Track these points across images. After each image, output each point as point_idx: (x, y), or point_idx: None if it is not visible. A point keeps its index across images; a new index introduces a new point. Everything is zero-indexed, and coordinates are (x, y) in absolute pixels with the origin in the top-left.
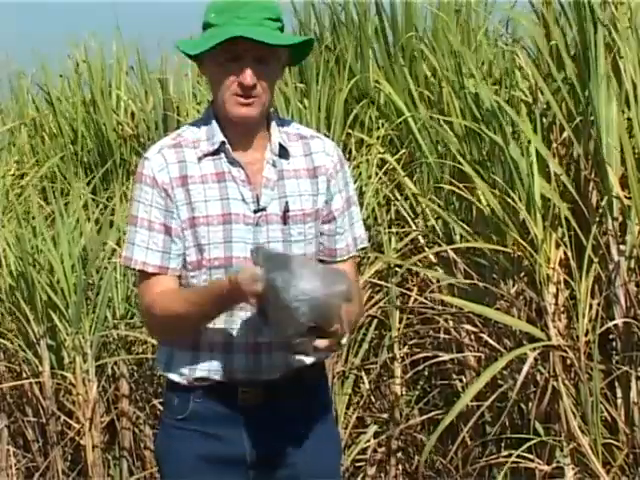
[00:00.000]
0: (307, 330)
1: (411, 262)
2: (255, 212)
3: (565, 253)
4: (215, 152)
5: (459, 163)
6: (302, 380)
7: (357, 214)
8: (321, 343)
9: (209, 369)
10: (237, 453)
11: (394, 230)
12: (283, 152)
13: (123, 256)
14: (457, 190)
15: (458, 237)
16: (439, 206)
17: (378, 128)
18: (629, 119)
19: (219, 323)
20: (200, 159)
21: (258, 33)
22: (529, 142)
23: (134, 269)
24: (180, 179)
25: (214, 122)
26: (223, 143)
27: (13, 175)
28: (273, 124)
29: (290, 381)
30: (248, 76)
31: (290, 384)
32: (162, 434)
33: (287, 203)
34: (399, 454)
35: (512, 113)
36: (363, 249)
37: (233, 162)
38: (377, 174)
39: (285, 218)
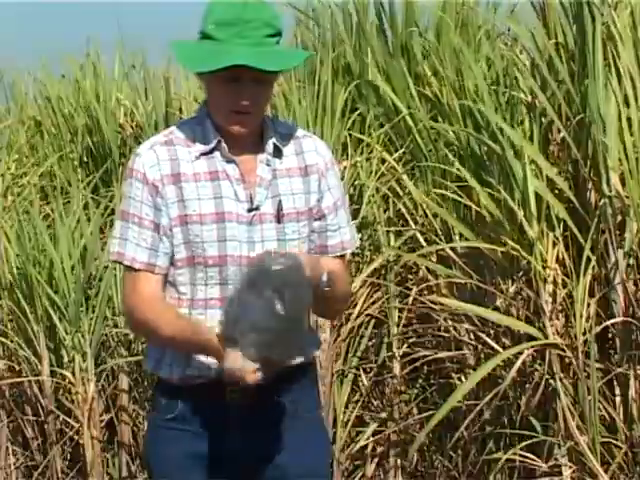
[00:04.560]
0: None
1: (410, 257)
2: (249, 211)
3: (562, 252)
4: (210, 151)
5: (461, 160)
6: (290, 380)
7: (349, 213)
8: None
9: (200, 368)
10: (225, 452)
11: (393, 229)
12: (276, 151)
13: (116, 252)
14: (456, 190)
15: (457, 237)
16: (438, 204)
17: (376, 129)
18: (628, 118)
19: (211, 323)
20: (195, 158)
21: (259, 58)
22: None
23: (123, 264)
24: (172, 176)
25: (208, 121)
26: (219, 142)
27: (12, 175)
28: (266, 123)
29: (278, 381)
30: (245, 98)
31: (278, 384)
32: (150, 434)
33: (280, 202)
34: (398, 452)
35: (511, 131)
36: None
37: (228, 160)
38: (376, 173)
39: (279, 217)
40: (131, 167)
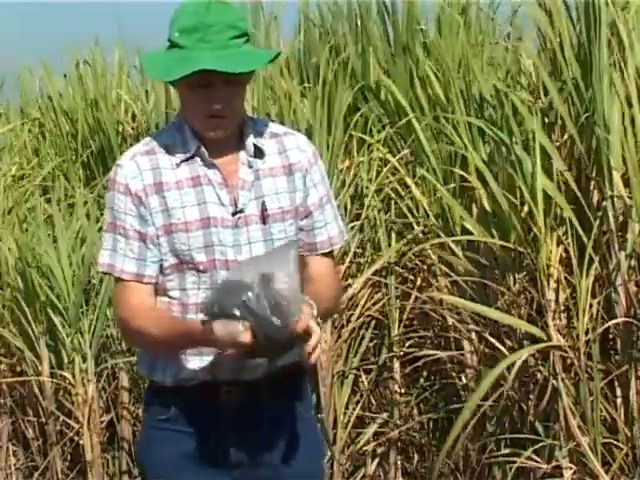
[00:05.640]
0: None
1: (413, 250)
2: (233, 214)
3: (566, 251)
4: (190, 157)
5: (463, 161)
6: (284, 380)
7: (336, 207)
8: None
9: (196, 369)
10: (219, 453)
11: (395, 223)
12: (257, 152)
13: (106, 264)
14: (462, 178)
15: (459, 235)
16: (441, 207)
17: (379, 131)
18: (632, 118)
19: None
20: (177, 165)
21: (222, 61)
22: (533, 139)
23: (113, 276)
24: (154, 186)
25: (187, 128)
26: (199, 147)
27: (14, 176)
28: (246, 124)
29: (272, 381)
30: (218, 102)
31: (272, 384)
32: (144, 436)
33: (264, 203)
34: (398, 452)
35: (515, 99)
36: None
37: (210, 165)
38: (378, 174)
39: (264, 218)
40: (113, 179)
